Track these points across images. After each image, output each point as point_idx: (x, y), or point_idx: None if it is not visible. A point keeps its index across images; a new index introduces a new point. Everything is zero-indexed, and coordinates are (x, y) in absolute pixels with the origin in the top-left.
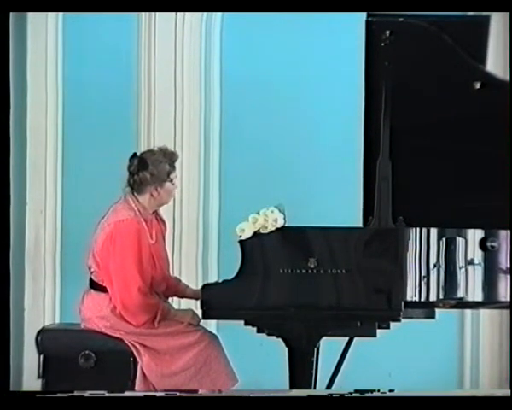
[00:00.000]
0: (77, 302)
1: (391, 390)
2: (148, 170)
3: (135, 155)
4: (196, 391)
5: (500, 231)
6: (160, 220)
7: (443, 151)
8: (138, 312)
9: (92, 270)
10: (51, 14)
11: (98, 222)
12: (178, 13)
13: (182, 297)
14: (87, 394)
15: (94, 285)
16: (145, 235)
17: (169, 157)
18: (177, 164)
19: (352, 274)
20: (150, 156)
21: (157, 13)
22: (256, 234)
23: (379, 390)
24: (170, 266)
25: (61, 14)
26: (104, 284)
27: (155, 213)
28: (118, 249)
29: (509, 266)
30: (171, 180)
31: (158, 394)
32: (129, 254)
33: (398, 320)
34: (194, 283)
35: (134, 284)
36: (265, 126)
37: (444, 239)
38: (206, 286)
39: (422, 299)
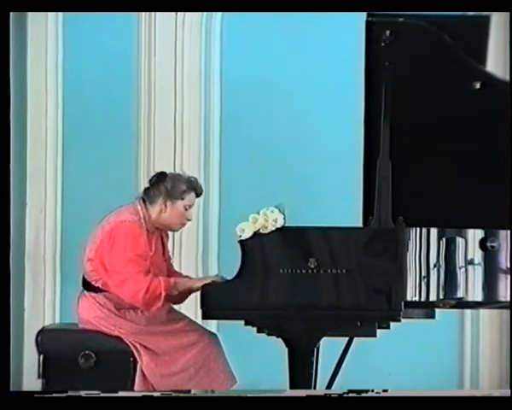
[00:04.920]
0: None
1: (390, 390)
2: (164, 182)
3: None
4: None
5: (500, 231)
6: (161, 239)
7: (443, 151)
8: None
9: (87, 270)
10: (51, 14)
11: (99, 221)
12: (178, 13)
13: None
14: (87, 394)
15: (88, 286)
16: (144, 241)
17: (190, 182)
18: (177, 164)
19: (351, 274)
20: (173, 174)
21: (157, 13)
22: (256, 234)
23: (374, 390)
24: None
25: (60, 14)
26: (98, 284)
27: (160, 231)
28: (115, 248)
29: (509, 266)
30: (183, 200)
31: (157, 394)
32: (127, 253)
33: (398, 320)
34: None
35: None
36: (265, 126)
37: (444, 239)
38: (206, 286)
39: (422, 299)
